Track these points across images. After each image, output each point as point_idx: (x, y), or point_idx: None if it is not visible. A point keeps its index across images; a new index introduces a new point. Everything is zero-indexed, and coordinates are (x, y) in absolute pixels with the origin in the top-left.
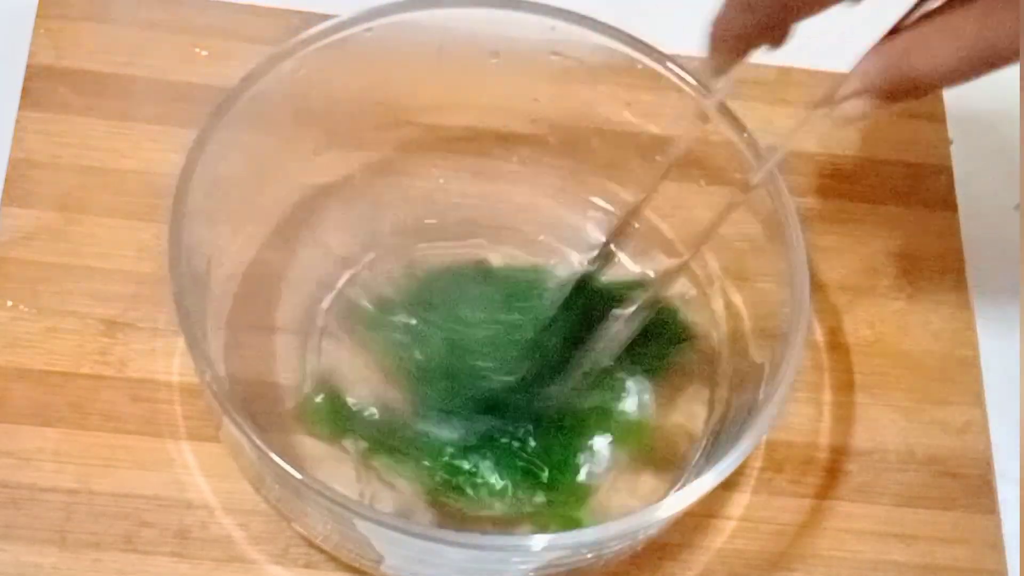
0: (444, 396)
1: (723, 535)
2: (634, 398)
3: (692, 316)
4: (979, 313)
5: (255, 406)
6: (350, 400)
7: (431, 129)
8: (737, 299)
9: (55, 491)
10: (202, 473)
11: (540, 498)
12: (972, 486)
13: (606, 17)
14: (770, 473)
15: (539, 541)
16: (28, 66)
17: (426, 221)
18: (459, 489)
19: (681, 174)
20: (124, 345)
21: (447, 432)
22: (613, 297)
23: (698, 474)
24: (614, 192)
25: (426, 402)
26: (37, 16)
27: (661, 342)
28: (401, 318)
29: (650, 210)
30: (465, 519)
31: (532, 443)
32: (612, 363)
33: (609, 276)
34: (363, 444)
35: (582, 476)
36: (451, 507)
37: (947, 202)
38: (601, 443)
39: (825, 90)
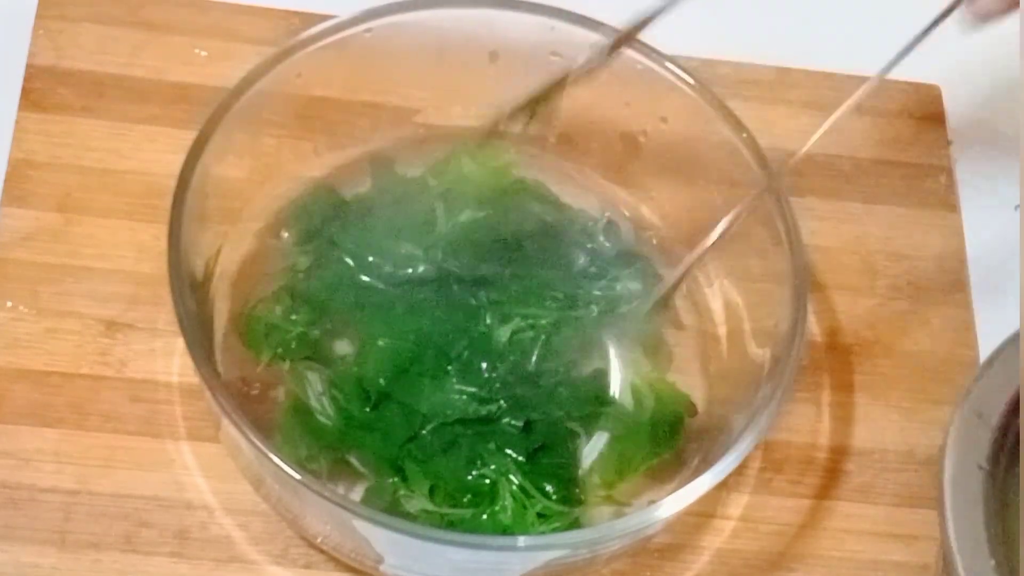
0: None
1: (723, 535)
2: (632, 396)
3: (691, 315)
4: (979, 313)
5: (255, 406)
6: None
7: (431, 129)
8: (737, 299)
9: (55, 492)
10: (202, 473)
11: (538, 499)
12: None
13: (606, 17)
14: (770, 473)
15: (538, 541)
16: (28, 66)
17: None
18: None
19: (681, 174)
20: (124, 345)
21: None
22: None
23: (697, 474)
24: (613, 192)
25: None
26: (37, 16)
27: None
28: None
29: (649, 209)
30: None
31: (526, 441)
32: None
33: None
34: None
35: (580, 474)
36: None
37: (947, 202)
38: (599, 442)
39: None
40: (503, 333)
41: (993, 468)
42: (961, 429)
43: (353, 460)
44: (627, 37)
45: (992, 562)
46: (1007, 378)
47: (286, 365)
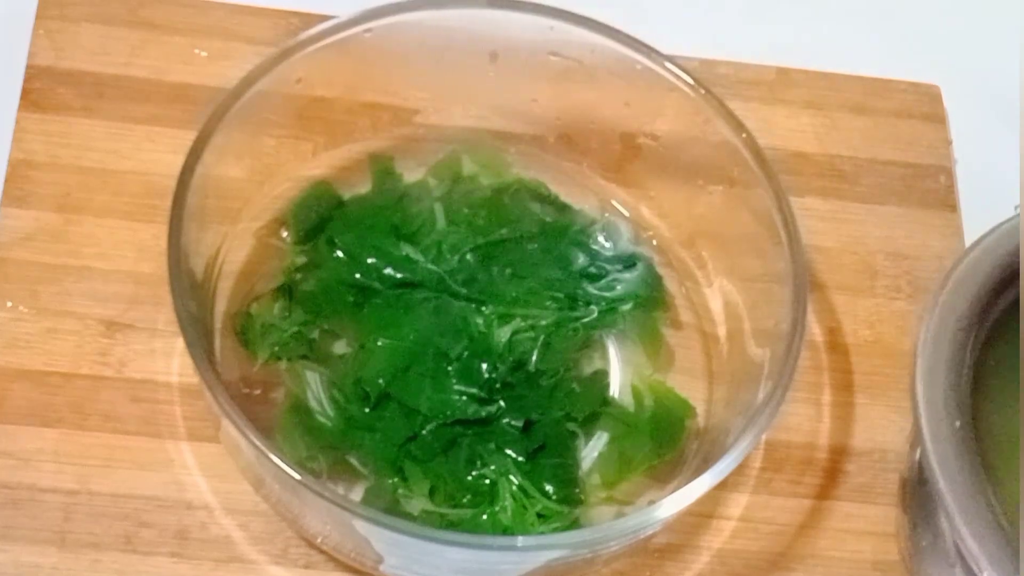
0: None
1: (723, 535)
2: (632, 397)
3: (691, 315)
4: None
5: (255, 407)
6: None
7: (431, 129)
8: (737, 299)
9: (55, 492)
10: (202, 473)
11: (539, 498)
12: None
13: (606, 17)
14: (770, 473)
15: (538, 541)
16: (28, 67)
17: None
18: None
19: (681, 174)
20: (124, 346)
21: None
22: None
23: (697, 474)
24: (613, 192)
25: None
26: (37, 16)
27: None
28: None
29: (648, 209)
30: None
31: (526, 441)
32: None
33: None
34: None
35: (580, 475)
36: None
37: (947, 202)
38: (599, 442)
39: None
40: (503, 333)
41: (969, 341)
42: (946, 297)
43: (353, 460)
44: None
45: (957, 422)
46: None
47: (284, 364)
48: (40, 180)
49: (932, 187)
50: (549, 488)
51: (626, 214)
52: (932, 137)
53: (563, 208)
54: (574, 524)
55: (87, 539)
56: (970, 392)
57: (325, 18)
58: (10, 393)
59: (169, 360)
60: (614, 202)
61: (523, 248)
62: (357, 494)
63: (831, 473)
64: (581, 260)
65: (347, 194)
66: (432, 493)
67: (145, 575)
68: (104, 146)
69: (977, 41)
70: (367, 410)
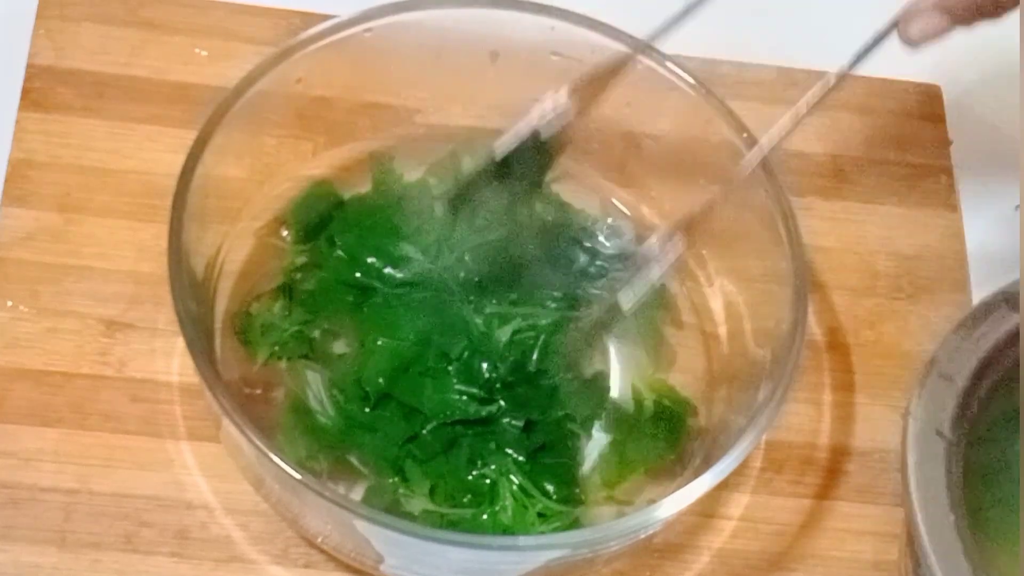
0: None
1: (723, 535)
2: (632, 397)
3: (692, 315)
4: None
5: (255, 406)
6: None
7: (431, 129)
8: (737, 299)
9: (55, 491)
10: (202, 473)
11: (539, 498)
12: None
13: (606, 17)
14: (770, 473)
15: (538, 541)
16: (28, 66)
17: None
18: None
19: (682, 174)
20: (124, 345)
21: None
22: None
23: (697, 474)
24: (614, 192)
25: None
26: (37, 16)
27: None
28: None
29: (649, 209)
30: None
31: (526, 441)
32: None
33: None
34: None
35: (580, 474)
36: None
37: (947, 202)
38: (600, 442)
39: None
40: (503, 333)
41: (955, 436)
42: (927, 393)
43: (353, 460)
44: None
45: (952, 517)
46: (975, 342)
47: (284, 364)
48: (40, 180)
49: (932, 187)
50: (549, 488)
51: (627, 213)
52: (932, 137)
53: (563, 208)
54: (574, 524)
55: (87, 539)
56: (962, 481)
57: (325, 18)
58: (10, 393)
59: (169, 360)
60: (615, 201)
61: (523, 248)
62: (357, 494)
63: (831, 473)
64: (581, 260)
65: (347, 194)
66: (432, 493)
67: (145, 575)
68: (104, 146)
69: (977, 41)
70: (367, 410)
